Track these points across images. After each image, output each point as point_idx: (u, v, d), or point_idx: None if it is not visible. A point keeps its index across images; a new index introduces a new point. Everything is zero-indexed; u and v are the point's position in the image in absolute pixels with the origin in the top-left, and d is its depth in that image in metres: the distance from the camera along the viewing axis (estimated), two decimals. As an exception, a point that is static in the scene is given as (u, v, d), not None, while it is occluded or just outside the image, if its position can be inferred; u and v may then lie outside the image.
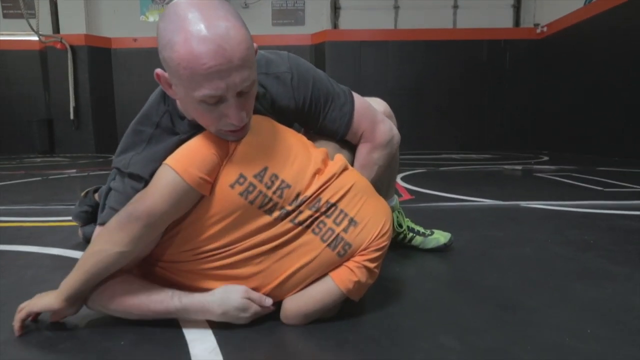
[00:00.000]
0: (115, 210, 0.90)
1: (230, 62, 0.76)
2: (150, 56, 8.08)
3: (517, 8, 7.78)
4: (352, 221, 0.91)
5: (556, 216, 2.09)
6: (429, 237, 1.50)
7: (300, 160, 0.92)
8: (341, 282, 0.90)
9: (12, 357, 0.82)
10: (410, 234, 1.50)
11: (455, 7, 7.81)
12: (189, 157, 0.86)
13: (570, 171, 3.99)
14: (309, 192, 0.90)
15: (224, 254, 0.90)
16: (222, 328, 0.91)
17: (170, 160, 0.87)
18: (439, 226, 1.59)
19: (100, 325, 0.95)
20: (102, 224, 0.93)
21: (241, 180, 0.87)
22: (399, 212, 1.49)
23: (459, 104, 7.71)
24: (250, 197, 0.87)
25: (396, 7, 7.82)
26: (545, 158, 5.78)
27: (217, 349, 0.84)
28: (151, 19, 8.17)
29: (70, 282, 0.88)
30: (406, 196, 2.67)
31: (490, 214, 2.17)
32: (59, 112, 7.77)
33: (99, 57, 7.92)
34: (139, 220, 0.84)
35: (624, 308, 1.02)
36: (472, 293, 1.13)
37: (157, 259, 0.95)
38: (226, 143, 0.89)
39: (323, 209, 0.90)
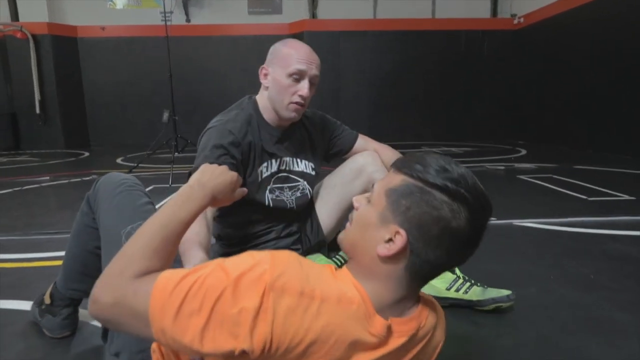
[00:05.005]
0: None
1: (314, 60, 1.36)
2: (119, 45, 7.71)
3: (494, -2, 7.80)
4: None
5: (549, 239, 2.14)
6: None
7: None
8: None
9: None
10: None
11: (434, -4, 7.76)
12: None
13: (550, 171, 4.08)
14: None
15: None
16: None
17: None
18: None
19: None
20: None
21: None
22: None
23: (438, 94, 7.74)
24: None
25: (375, -4, 7.69)
26: (523, 151, 5.91)
27: None
28: (119, 5, 7.74)
29: None
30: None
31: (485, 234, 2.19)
32: (23, 105, 7.35)
33: (64, 46, 7.47)
34: None
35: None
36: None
37: None
38: None
39: None
